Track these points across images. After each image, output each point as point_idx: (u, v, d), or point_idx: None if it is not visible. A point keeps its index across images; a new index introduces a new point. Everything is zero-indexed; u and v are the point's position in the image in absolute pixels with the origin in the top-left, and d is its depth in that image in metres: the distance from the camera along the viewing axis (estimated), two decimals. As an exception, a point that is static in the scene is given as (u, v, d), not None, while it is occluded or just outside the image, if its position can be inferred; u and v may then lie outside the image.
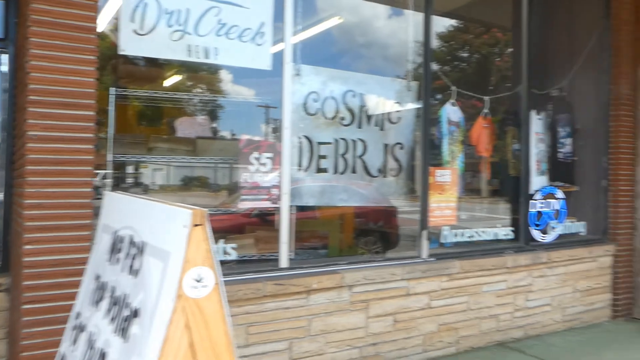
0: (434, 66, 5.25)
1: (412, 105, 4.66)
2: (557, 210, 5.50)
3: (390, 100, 4.52)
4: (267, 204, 3.89)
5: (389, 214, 6.32)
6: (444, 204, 4.72)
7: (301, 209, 4.99)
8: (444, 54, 8.48)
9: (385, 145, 4.52)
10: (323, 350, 3.92)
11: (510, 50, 6.49)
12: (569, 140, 5.80)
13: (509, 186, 5.53)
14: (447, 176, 4.76)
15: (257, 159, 3.81)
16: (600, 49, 5.96)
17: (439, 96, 5.16)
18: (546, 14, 5.99)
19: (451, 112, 4.98)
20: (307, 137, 4.10)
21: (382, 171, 4.48)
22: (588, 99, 6.07)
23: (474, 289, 4.75)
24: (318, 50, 4.65)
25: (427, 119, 4.61)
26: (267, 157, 3.84)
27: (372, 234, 6.56)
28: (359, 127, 4.36)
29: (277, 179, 3.88)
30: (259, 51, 3.82)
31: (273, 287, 3.67)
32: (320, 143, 4.17)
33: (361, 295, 4.10)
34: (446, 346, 4.60)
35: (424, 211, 4.60)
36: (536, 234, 5.32)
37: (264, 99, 4.86)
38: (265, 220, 4.77)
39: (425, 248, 4.57)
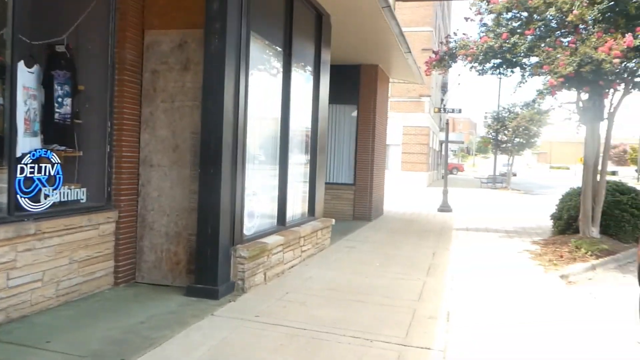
0: None
1: None
2: (53, 176, 4.99)
3: None
4: None
5: None
6: None
7: None
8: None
9: None
10: None
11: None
12: (69, 101, 5.35)
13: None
14: None
15: None
16: (108, 9, 5.72)
17: None
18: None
19: None
20: None
21: None
22: (94, 59, 5.77)
23: None
24: None
25: None
26: None
27: None
28: None
29: None
30: None
31: None
32: None
33: None
34: None
35: None
36: (24, 202, 4.67)
37: None
38: None
39: None
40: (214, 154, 5.55)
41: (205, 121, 5.62)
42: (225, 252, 5.66)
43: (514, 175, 52.83)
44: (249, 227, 6.37)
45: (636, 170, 67.28)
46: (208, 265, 5.52)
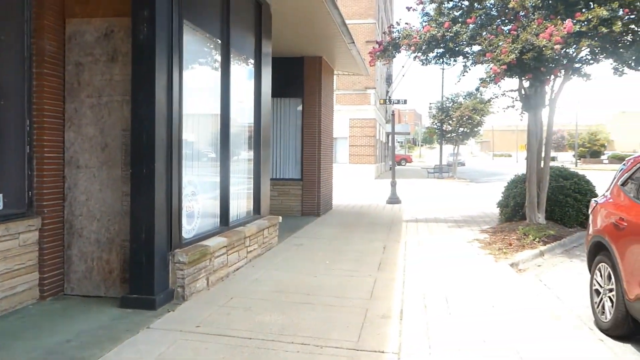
0: None
1: None
2: (-39, 182, 4.46)
3: None
4: None
5: None
6: None
7: None
8: None
9: None
10: None
11: None
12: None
13: None
14: None
15: None
16: (21, -5, 5.17)
17: None
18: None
19: None
20: None
21: None
22: (8, 50, 5.20)
23: None
24: None
25: None
26: None
27: None
28: None
29: None
30: None
31: None
32: None
33: None
34: None
35: None
36: None
37: None
38: None
39: None
40: (146, 152, 5.13)
41: (136, 116, 5.19)
42: (162, 258, 5.25)
43: (463, 165, 54.05)
44: (189, 229, 5.96)
45: (574, 156, 70.18)
46: (143, 273, 5.09)
